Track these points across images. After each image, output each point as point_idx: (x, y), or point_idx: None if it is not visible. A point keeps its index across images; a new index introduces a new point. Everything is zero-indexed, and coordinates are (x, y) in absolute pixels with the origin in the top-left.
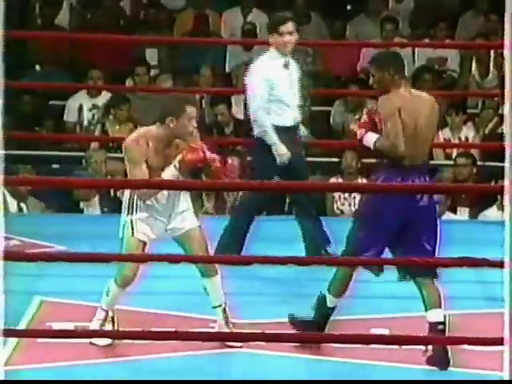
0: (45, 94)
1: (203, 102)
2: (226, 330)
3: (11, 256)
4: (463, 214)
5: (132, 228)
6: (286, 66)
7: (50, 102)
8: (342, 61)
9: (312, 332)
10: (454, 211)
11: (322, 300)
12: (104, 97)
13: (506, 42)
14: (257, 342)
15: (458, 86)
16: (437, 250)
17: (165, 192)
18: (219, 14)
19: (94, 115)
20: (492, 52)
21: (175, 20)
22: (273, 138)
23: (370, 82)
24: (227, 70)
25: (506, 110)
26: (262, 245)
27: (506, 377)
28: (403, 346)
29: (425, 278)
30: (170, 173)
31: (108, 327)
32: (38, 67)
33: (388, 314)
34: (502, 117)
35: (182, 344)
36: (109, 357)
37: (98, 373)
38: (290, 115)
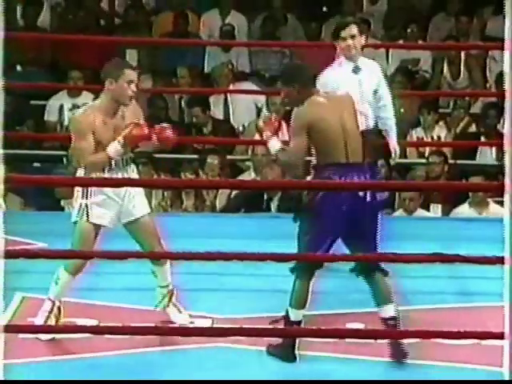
0: (26, 93)
1: (182, 102)
2: (176, 313)
3: None
4: (436, 210)
5: (87, 213)
6: (356, 70)
7: (31, 102)
8: (318, 61)
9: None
10: (427, 208)
11: (286, 315)
12: (84, 97)
13: (506, 42)
14: (236, 338)
15: (431, 86)
16: (378, 247)
17: (119, 175)
18: (198, 15)
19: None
20: (463, 53)
21: (155, 21)
22: None
23: (279, 98)
24: (206, 70)
25: (506, 108)
26: (241, 242)
27: (506, 370)
28: (378, 340)
29: (375, 275)
30: (113, 148)
31: (52, 319)
32: (19, 67)
33: (363, 309)
34: (472, 116)
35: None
36: (90, 352)
37: (81, 367)
38: None
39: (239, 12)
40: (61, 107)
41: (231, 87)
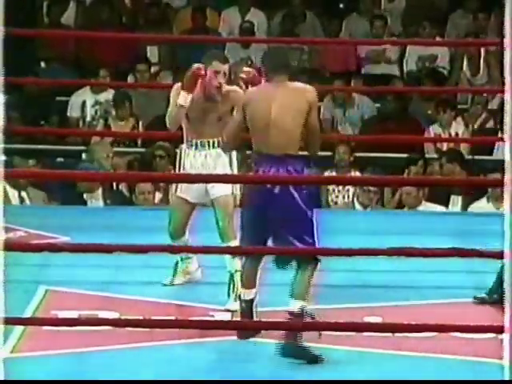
0: (50, 90)
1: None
2: (231, 301)
3: (17, 247)
4: (456, 203)
5: (176, 186)
6: None
7: (57, 98)
8: (336, 58)
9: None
10: (447, 201)
11: (239, 295)
12: (107, 93)
13: (506, 41)
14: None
15: (449, 82)
16: (316, 240)
17: (202, 156)
18: (218, 12)
19: (96, 111)
20: (482, 50)
21: (175, 18)
22: None
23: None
24: None
25: (506, 105)
26: None
27: (506, 365)
28: (396, 334)
29: (303, 269)
30: (181, 96)
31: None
32: (43, 64)
33: (381, 303)
34: (490, 112)
35: (180, 332)
36: (111, 344)
37: (101, 359)
38: None
39: (259, 9)
40: (83, 103)
41: None
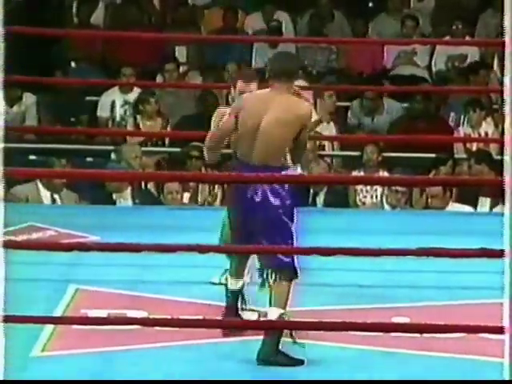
0: (80, 89)
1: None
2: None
3: (47, 246)
4: (485, 204)
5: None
6: None
7: (87, 98)
8: (364, 58)
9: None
10: (475, 202)
11: (225, 285)
12: (135, 93)
13: (507, 40)
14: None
15: (479, 82)
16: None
17: None
18: (246, 13)
19: (126, 111)
20: None
21: (203, 17)
22: None
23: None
24: (254, 66)
25: (506, 106)
26: None
27: (506, 365)
28: (424, 334)
29: (280, 280)
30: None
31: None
32: (73, 64)
33: (408, 303)
34: None
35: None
36: (140, 343)
37: (130, 359)
38: None
39: (286, 10)
40: (113, 103)
41: None
